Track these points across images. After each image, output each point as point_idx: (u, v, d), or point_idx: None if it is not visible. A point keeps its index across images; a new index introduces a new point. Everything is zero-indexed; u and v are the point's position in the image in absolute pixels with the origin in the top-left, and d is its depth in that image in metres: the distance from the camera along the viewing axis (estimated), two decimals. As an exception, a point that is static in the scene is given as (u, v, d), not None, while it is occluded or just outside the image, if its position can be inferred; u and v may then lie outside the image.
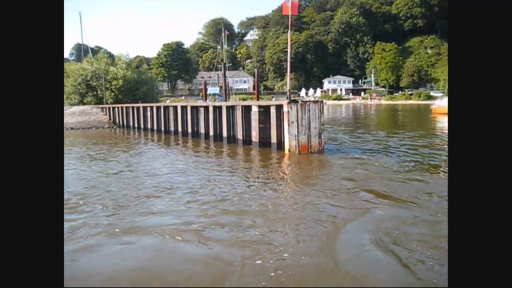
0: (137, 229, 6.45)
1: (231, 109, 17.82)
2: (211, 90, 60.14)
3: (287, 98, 14.58)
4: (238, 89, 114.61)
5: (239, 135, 16.92)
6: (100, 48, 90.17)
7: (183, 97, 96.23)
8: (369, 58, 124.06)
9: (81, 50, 73.10)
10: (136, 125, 29.66)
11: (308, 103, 14.08)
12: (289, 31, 16.50)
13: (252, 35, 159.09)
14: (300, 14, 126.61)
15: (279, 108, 14.51)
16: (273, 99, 75.96)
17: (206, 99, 41.81)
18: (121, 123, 32.87)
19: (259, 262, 5.03)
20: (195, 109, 21.42)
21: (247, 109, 16.46)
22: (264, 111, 15.45)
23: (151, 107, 27.12)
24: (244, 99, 65.40)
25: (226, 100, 34.33)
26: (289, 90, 15.66)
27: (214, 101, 44.85)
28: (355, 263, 4.95)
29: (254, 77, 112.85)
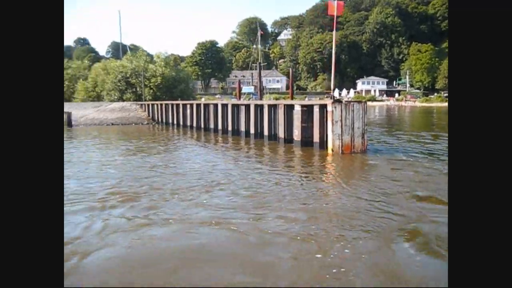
0: (188, 220, 6.68)
1: (273, 107, 17.97)
2: (245, 89, 60.37)
3: (330, 98, 14.63)
4: (270, 88, 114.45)
5: (281, 134, 17.06)
6: (135, 46, 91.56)
7: (218, 96, 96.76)
8: (404, 59, 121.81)
9: (119, 49, 74.54)
10: (175, 122, 30.15)
11: (352, 103, 14.10)
12: (334, 31, 16.49)
13: (285, 34, 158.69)
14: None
15: (322, 107, 14.58)
16: (306, 99, 75.69)
17: (240, 98, 42.06)
18: (160, 119, 33.45)
19: (319, 256, 5.11)
20: (236, 107, 21.66)
21: (289, 108, 16.58)
22: (307, 110, 15.52)
23: (191, 105, 27.52)
24: (277, 99, 65.45)
25: (260, 99, 34.49)
26: (332, 90, 15.72)
27: (249, 100, 45.06)
28: (410, 265, 4.93)
29: (287, 77, 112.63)
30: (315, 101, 17.77)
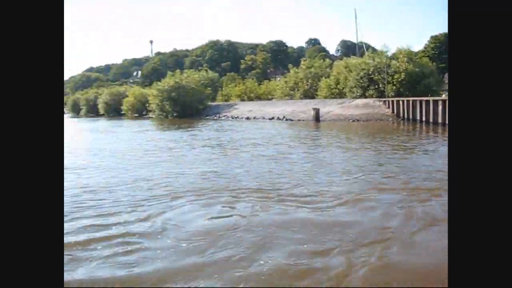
0: None
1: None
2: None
3: None
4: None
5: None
6: (363, 43, 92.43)
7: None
8: None
9: (349, 47, 76.67)
10: (423, 119, 30.13)
11: None
12: None
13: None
14: None
15: None
16: None
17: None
18: (405, 116, 33.71)
19: None
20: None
21: None
22: None
23: (444, 101, 27.19)
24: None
25: None
26: None
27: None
28: None
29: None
30: None
